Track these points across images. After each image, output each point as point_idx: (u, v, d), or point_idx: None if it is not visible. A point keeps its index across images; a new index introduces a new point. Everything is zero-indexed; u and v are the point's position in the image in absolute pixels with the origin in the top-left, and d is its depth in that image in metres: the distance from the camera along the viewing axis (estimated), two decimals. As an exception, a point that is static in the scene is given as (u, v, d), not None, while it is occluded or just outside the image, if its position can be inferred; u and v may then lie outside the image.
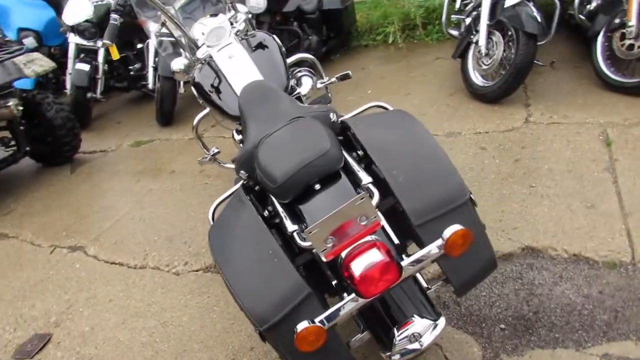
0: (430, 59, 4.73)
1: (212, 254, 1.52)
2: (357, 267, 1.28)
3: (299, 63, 2.79)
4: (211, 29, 2.36)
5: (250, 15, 2.67)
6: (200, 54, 2.38)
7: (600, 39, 3.35)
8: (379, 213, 1.48)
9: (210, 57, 2.30)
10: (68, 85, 4.88)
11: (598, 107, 3.11)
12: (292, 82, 2.59)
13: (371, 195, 1.40)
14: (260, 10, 4.28)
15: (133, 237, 2.93)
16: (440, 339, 1.85)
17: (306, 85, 2.55)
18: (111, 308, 2.41)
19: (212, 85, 2.28)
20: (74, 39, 4.77)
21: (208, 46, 2.32)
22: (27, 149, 3.89)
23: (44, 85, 5.47)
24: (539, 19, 3.24)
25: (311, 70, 2.65)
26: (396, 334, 1.36)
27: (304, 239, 1.37)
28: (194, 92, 2.39)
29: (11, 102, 3.59)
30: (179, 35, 2.54)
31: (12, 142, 3.86)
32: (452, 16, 4.13)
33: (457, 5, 4.36)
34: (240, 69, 2.20)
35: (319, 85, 2.79)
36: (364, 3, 6.32)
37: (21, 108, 3.66)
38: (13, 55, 3.70)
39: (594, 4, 3.56)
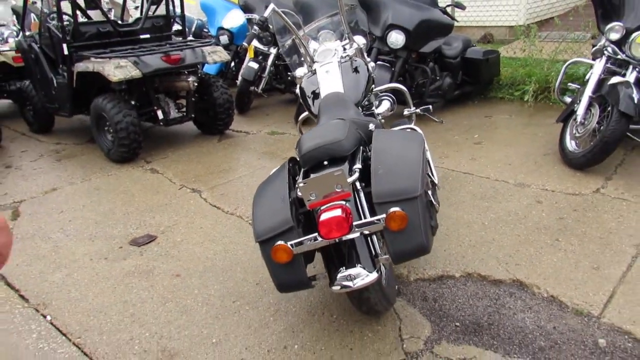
0: (551, 121, 4.88)
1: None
2: (323, 216, 1.88)
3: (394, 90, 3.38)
4: (322, 50, 3.09)
5: (363, 46, 3.30)
6: (313, 67, 3.13)
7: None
8: (360, 191, 2.06)
9: (315, 70, 3.03)
10: (240, 77, 6.10)
11: (671, 196, 3.17)
12: (376, 102, 3.21)
13: (351, 174, 1.98)
14: (398, 46, 4.97)
15: (235, 194, 3.80)
16: (405, 317, 2.32)
17: (383, 106, 3.14)
18: (199, 232, 3.27)
19: (310, 91, 3.01)
20: (254, 42, 5.96)
21: (315, 61, 3.05)
22: (193, 116, 5.09)
23: (225, 74, 6.85)
24: (635, 100, 3.38)
25: (392, 97, 3.22)
26: (341, 271, 1.92)
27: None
28: (299, 94, 3.13)
29: (191, 78, 4.77)
30: (303, 51, 3.32)
31: (183, 108, 5.08)
32: (570, 84, 4.33)
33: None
34: (330, 82, 2.88)
35: (405, 113, 3.38)
36: (517, 59, 6.61)
37: (196, 84, 4.83)
38: (203, 45, 4.93)
39: None
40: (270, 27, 3.49)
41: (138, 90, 4.81)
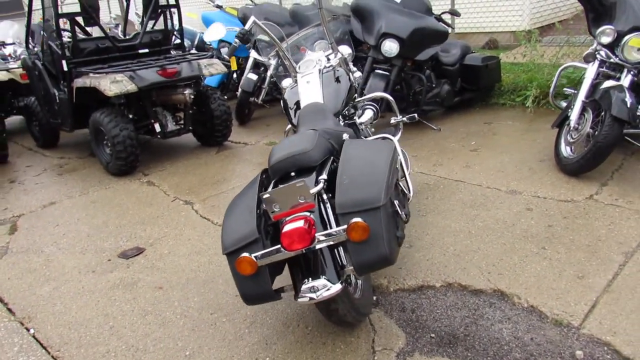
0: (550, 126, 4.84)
1: None
2: (286, 227, 1.87)
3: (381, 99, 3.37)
4: (305, 60, 3.10)
5: (348, 56, 3.30)
6: (296, 77, 3.13)
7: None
8: (326, 202, 2.04)
9: (297, 80, 3.03)
10: (239, 88, 6.14)
11: (667, 203, 3.08)
12: (360, 111, 3.20)
13: (317, 185, 1.97)
14: (392, 55, 4.96)
15: (226, 205, 3.76)
16: (380, 328, 2.29)
17: (366, 115, 3.13)
18: (186, 244, 3.28)
19: (293, 102, 3.01)
20: (253, 54, 6.00)
21: (298, 72, 3.06)
22: (190, 128, 5.13)
23: (226, 85, 6.90)
24: (628, 105, 3.30)
25: (375, 106, 3.20)
26: (305, 283, 1.90)
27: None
28: (282, 104, 3.14)
29: (187, 91, 4.81)
30: (287, 62, 3.33)
31: (181, 121, 5.12)
32: (565, 89, 4.25)
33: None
34: (310, 92, 2.88)
35: (391, 121, 3.36)
36: (519, 65, 6.54)
37: (192, 96, 4.87)
38: (199, 58, 4.98)
39: None
40: (255, 38, 3.51)
41: (136, 103, 4.87)
